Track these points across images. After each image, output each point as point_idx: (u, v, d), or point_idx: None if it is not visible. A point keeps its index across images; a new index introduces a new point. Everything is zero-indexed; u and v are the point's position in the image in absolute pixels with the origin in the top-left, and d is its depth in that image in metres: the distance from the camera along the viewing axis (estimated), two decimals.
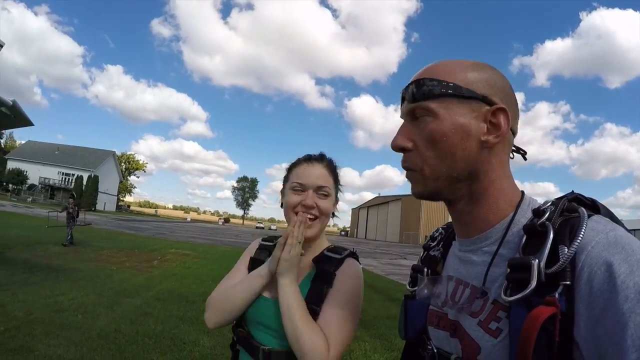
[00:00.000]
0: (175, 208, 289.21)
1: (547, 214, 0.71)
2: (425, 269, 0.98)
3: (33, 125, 10.71)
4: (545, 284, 0.63)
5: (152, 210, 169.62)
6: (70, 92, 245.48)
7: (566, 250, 0.64)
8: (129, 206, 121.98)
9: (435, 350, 0.88)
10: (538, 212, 0.73)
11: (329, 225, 1.59)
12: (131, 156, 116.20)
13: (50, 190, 72.11)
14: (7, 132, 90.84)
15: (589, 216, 0.68)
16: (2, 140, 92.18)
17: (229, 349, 1.49)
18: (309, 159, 1.42)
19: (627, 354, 0.55)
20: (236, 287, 1.36)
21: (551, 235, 0.66)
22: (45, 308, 6.12)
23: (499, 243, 0.76)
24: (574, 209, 0.71)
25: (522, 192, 0.83)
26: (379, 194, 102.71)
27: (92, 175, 67.95)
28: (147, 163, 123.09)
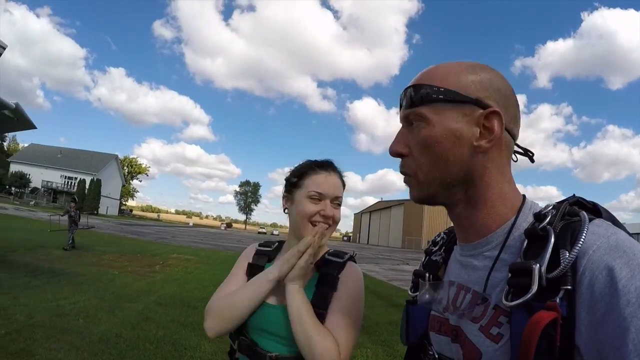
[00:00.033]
0: (177, 212, 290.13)
1: (548, 218, 0.71)
2: (427, 274, 0.98)
3: (36, 128, 10.74)
4: (547, 289, 0.63)
5: (154, 215, 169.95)
6: (73, 94, 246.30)
7: (567, 254, 0.63)
8: (131, 210, 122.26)
9: (437, 356, 0.88)
10: (539, 216, 0.72)
11: None
12: (134, 160, 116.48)
13: (53, 193, 72.34)
14: (10, 135, 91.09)
15: (590, 220, 0.68)
16: (5, 143, 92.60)
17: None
18: (326, 167, 1.41)
19: (629, 358, 0.54)
20: (240, 293, 1.33)
21: (552, 240, 0.66)
22: (47, 312, 6.11)
23: (500, 247, 0.76)
24: (575, 213, 0.70)
25: (524, 196, 0.82)
26: (382, 198, 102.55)
27: (95, 179, 68.13)
28: (149, 167, 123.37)
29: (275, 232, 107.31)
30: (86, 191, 64.74)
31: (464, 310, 0.80)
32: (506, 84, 0.79)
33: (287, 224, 1.47)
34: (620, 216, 0.71)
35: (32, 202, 62.80)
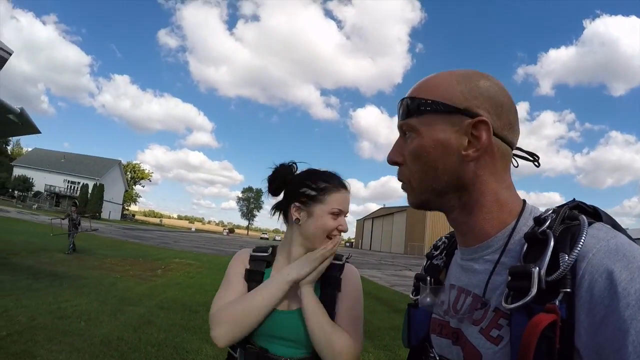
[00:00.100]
0: (180, 218, 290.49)
1: (548, 222, 0.71)
2: (428, 278, 0.99)
3: (40, 132, 10.79)
4: (546, 292, 0.63)
5: (156, 220, 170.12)
6: (78, 100, 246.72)
7: (566, 257, 0.63)
8: (133, 215, 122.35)
9: (438, 358, 0.89)
10: (539, 220, 0.73)
11: None
12: (137, 165, 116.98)
13: (56, 197, 72.62)
14: (14, 139, 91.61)
15: (590, 224, 0.68)
16: (8, 147, 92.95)
17: None
18: (344, 185, 1.45)
19: None
20: (256, 296, 1.32)
21: (552, 243, 0.66)
22: (49, 314, 6.11)
23: (500, 251, 0.77)
24: (575, 217, 0.70)
25: (524, 201, 0.83)
26: (384, 205, 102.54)
27: (98, 184, 68.46)
28: (152, 172, 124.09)
29: (278, 238, 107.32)
30: (89, 196, 64.98)
31: (464, 313, 0.81)
32: (500, 90, 0.80)
33: (306, 237, 1.44)
34: (623, 222, 0.71)
35: (35, 206, 63.03)
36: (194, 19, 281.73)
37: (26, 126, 9.75)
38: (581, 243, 0.64)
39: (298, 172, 1.50)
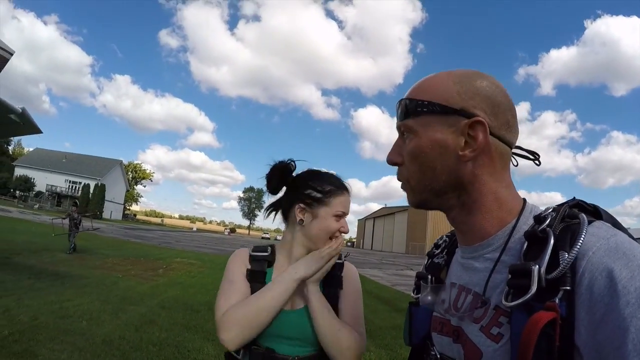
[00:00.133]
0: (181, 217, 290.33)
1: (548, 220, 0.72)
2: (430, 276, 0.99)
3: (42, 132, 10.78)
4: (546, 290, 0.63)
5: (158, 220, 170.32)
6: (79, 100, 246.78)
7: (566, 255, 0.64)
8: (135, 215, 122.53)
9: (439, 356, 0.89)
10: (539, 218, 0.73)
11: None
12: (138, 165, 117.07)
13: (57, 197, 72.68)
14: (15, 139, 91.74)
15: (590, 222, 0.68)
16: (10, 147, 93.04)
17: None
18: (346, 188, 1.47)
19: (629, 358, 0.55)
20: (266, 295, 1.30)
21: (551, 241, 0.67)
22: (51, 313, 6.12)
23: (501, 250, 0.77)
24: (575, 215, 0.71)
25: (524, 200, 0.83)
26: (385, 204, 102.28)
27: (99, 184, 68.46)
28: (153, 172, 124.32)
29: (279, 238, 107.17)
30: (90, 196, 65.01)
31: (464, 311, 0.82)
32: (497, 90, 0.80)
33: (308, 237, 1.44)
34: (624, 221, 0.71)
35: (36, 206, 63.13)
36: (195, 19, 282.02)
37: (28, 126, 9.75)
38: (581, 241, 0.64)
39: (296, 170, 1.50)
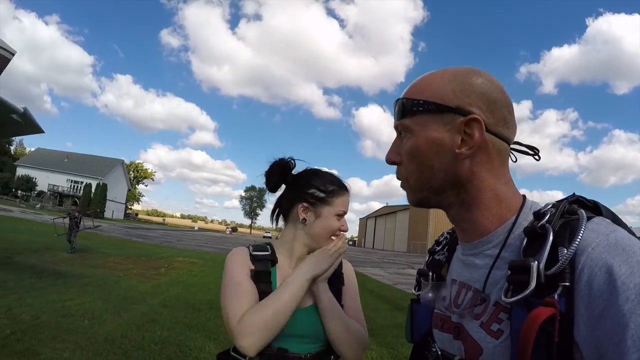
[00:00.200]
0: (183, 217, 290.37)
1: (547, 216, 0.71)
2: (430, 273, 1.00)
3: (43, 132, 10.79)
4: (545, 286, 0.63)
5: (159, 219, 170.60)
6: (80, 100, 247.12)
7: (565, 251, 0.64)
8: (136, 214, 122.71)
9: (440, 352, 0.89)
10: (539, 214, 0.73)
11: None
12: (139, 165, 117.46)
13: (59, 197, 72.76)
14: (17, 139, 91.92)
15: (589, 218, 0.68)
16: (12, 147, 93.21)
17: None
18: (347, 188, 1.49)
19: (628, 354, 0.54)
20: (282, 298, 1.27)
21: (551, 237, 0.67)
22: (52, 312, 6.14)
23: (500, 246, 0.77)
24: (574, 211, 0.70)
25: (524, 197, 0.83)
26: (387, 203, 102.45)
27: (101, 183, 68.52)
28: (155, 172, 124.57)
29: None
30: (92, 195, 65.11)
31: (465, 308, 0.82)
32: (493, 87, 0.80)
33: (310, 237, 1.45)
34: (626, 220, 0.71)
35: (38, 206, 63.24)
36: (196, 19, 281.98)
37: (29, 126, 9.76)
38: (580, 237, 0.64)
39: (296, 169, 1.50)
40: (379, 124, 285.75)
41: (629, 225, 0.73)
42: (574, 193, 0.80)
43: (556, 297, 0.62)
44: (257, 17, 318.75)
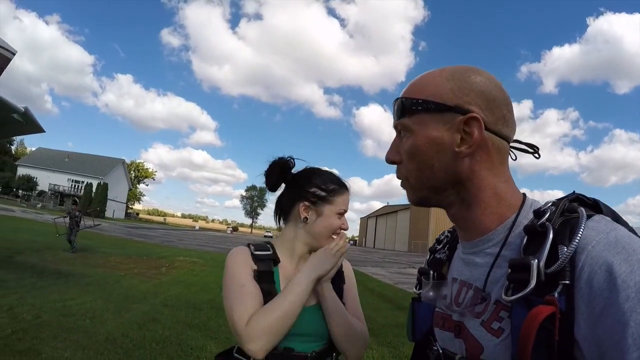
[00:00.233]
0: (183, 216, 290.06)
1: (547, 214, 0.72)
2: (431, 272, 0.99)
3: (44, 132, 10.76)
4: (545, 284, 0.63)
5: (160, 218, 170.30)
6: (81, 100, 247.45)
7: (565, 249, 0.64)
8: (137, 214, 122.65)
9: (441, 351, 0.89)
10: (539, 213, 0.73)
11: None
12: (140, 164, 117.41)
13: (60, 197, 72.79)
14: (17, 138, 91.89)
15: (589, 216, 0.68)
16: (12, 147, 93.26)
17: None
18: (347, 187, 1.50)
19: (628, 352, 0.54)
20: (286, 302, 1.26)
21: (551, 235, 0.67)
22: (53, 312, 6.14)
23: (501, 245, 0.77)
24: (574, 209, 0.71)
25: (524, 195, 0.83)
26: (388, 203, 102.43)
27: (102, 183, 68.51)
28: (156, 171, 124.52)
29: None
30: (93, 195, 65.12)
31: (465, 306, 0.82)
32: (491, 85, 0.80)
33: (311, 235, 1.45)
34: (627, 220, 0.71)
35: (39, 205, 63.22)
36: (196, 18, 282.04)
37: (30, 125, 9.75)
38: (579, 235, 0.64)
39: (295, 168, 1.50)
40: (379, 124, 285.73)
41: (630, 225, 0.73)
42: (574, 191, 0.80)
43: (556, 295, 0.62)
44: (258, 16, 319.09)
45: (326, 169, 1.53)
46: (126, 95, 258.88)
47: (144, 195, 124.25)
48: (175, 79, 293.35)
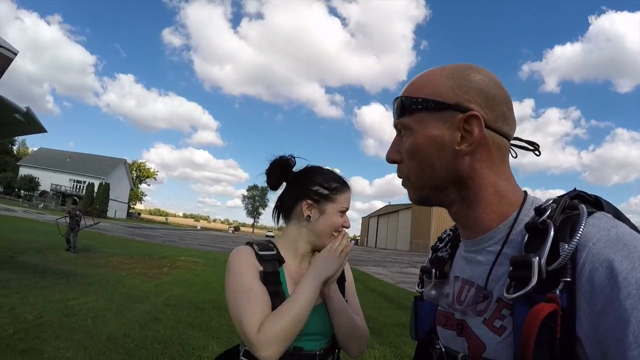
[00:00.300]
0: (185, 216, 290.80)
1: (548, 211, 0.71)
2: (434, 270, 0.99)
3: (46, 132, 10.76)
4: (547, 281, 0.63)
5: (162, 218, 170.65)
6: (83, 100, 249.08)
7: (566, 247, 0.64)
8: (139, 214, 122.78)
9: (444, 349, 0.89)
10: (540, 210, 0.73)
11: None
12: (142, 164, 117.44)
13: (62, 197, 72.88)
14: (19, 139, 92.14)
15: (590, 213, 0.68)
16: (14, 147, 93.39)
17: None
18: (348, 185, 1.50)
19: (629, 349, 0.54)
20: (296, 306, 1.26)
21: (552, 233, 0.67)
22: (55, 312, 6.14)
23: (502, 242, 0.77)
24: (575, 206, 0.71)
25: (525, 192, 0.83)
26: (389, 202, 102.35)
27: (103, 183, 68.59)
28: (157, 171, 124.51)
29: None
30: (95, 195, 65.21)
31: (467, 305, 0.82)
32: (491, 83, 0.79)
33: (314, 234, 1.45)
34: (630, 219, 0.71)
35: (41, 205, 63.30)
36: (198, 18, 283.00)
37: (32, 125, 9.75)
38: (580, 232, 0.64)
39: (296, 166, 1.50)
40: (381, 123, 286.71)
41: (631, 222, 0.73)
42: (575, 188, 0.80)
43: (558, 292, 0.62)
44: (259, 15, 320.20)
45: (327, 167, 1.53)
46: (128, 95, 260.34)
47: (145, 195, 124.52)
48: (176, 79, 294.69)
